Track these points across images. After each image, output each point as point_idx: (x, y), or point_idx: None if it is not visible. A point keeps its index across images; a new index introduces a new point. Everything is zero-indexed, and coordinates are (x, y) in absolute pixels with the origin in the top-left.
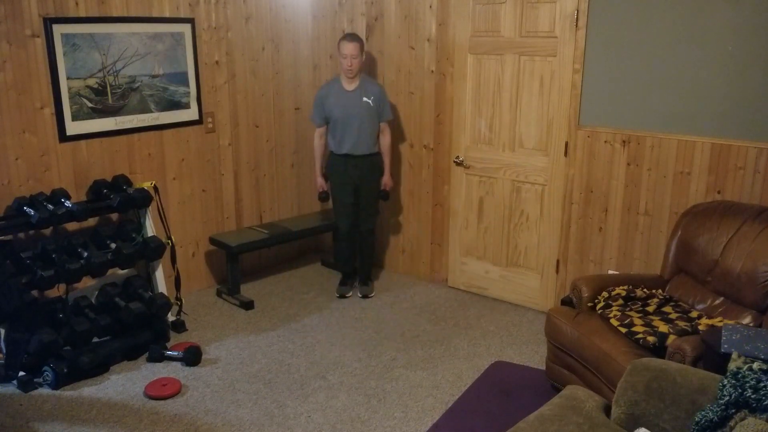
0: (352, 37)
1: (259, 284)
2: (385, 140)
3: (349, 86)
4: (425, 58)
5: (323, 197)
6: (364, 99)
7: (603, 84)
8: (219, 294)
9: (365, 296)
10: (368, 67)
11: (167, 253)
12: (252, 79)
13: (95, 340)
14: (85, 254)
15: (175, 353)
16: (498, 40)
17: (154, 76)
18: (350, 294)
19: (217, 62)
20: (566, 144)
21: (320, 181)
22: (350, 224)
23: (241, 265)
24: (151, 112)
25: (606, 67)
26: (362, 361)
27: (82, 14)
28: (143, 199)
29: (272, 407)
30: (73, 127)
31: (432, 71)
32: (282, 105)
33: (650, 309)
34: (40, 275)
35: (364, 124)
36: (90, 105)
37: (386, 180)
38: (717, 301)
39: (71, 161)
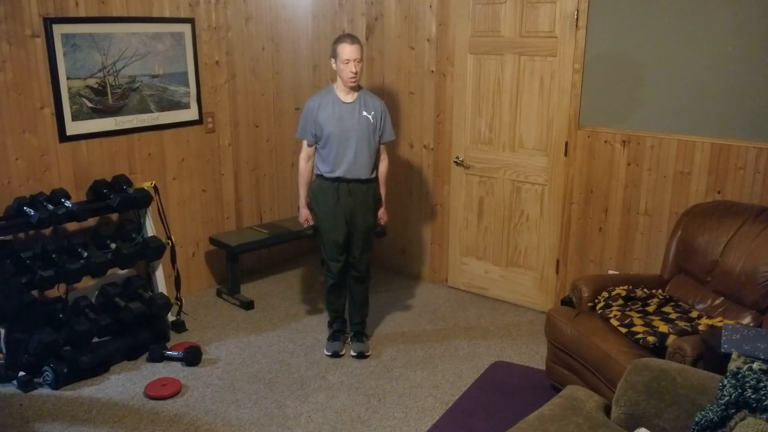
0: (353, 38)
1: (259, 284)
2: (383, 167)
3: (347, 97)
4: (425, 58)
5: (310, 233)
6: (364, 113)
7: (603, 84)
8: (219, 294)
9: (360, 355)
10: (368, 68)
11: (167, 253)
12: (252, 79)
13: (95, 340)
14: (85, 254)
15: (175, 353)
16: (498, 40)
17: (154, 76)
18: (344, 352)
19: (217, 62)
20: (566, 144)
21: (305, 212)
22: (342, 265)
23: (241, 265)
24: (151, 112)
25: (606, 67)
26: (362, 361)
27: (82, 14)
28: (143, 199)
29: (272, 407)
30: (73, 127)
31: (432, 71)
32: (282, 105)
33: (650, 309)
34: (40, 275)
35: (363, 142)
36: (90, 105)
37: (382, 214)
38: (717, 301)
39: (71, 161)
